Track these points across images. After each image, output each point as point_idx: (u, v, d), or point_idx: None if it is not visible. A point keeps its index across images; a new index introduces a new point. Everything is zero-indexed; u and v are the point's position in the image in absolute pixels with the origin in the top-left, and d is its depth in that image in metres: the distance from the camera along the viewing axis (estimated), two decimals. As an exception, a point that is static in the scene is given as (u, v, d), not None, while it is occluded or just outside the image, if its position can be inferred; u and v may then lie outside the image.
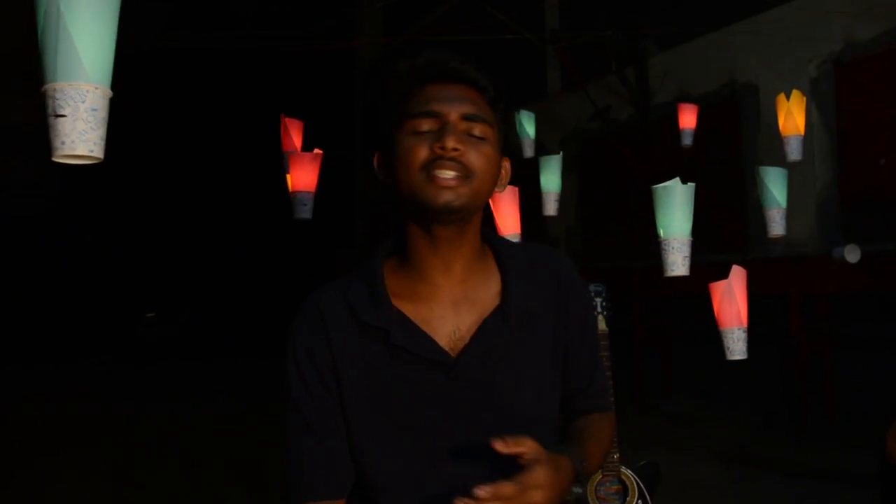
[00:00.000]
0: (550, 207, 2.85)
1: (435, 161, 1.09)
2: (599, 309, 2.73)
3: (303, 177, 2.27)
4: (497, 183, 1.18)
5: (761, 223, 2.52)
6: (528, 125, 3.62)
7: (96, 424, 6.76)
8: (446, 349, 1.15)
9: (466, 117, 1.13)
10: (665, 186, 1.81)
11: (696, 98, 7.33)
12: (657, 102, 7.86)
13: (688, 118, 3.95)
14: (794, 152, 2.67)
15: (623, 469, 2.63)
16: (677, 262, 1.82)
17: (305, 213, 2.32)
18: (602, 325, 2.72)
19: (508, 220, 2.38)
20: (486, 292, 1.19)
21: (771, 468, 4.91)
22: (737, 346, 2.04)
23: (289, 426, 1.17)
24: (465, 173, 1.10)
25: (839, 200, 6.23)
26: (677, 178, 1.90)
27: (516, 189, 2.39)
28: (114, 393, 8.67)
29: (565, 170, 9.12)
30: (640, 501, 2.64)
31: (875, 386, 5.55)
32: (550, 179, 2.83)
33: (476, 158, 1.11)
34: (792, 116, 2.64)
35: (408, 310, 1.16)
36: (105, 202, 12.18)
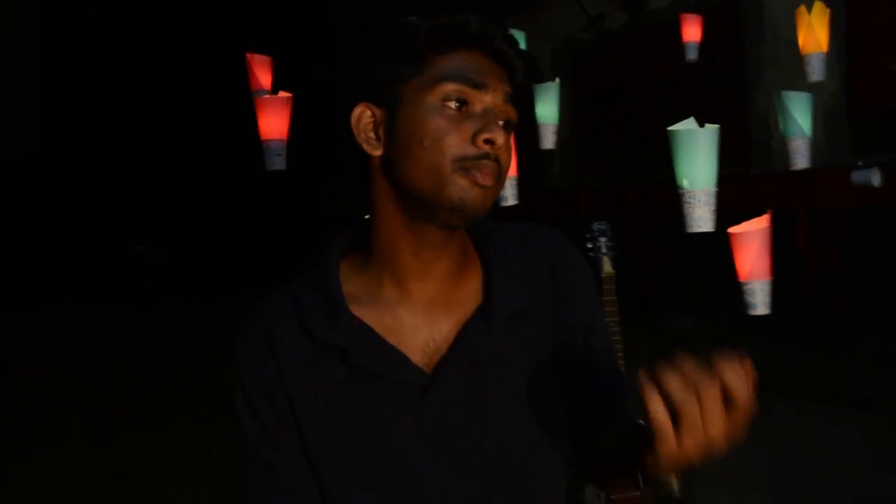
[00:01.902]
0: (548, 140, 2.60)
1: (478, 157, 0.90)
2: (605, 249, 2.55)
3: (273, 124, 2.04)
4: None
5: (764, 133, 2.31)
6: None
7: (99, 379, 6.60)
8: (420, 365, 0.95)
9: (509, 98, 0.93)
10: (687, 131, 1.58)
11: (693, 4, 6.96)
12: (653, 8, 7.48)
13: (692, 30, 3.67)
14: (815, 72, 2.42)
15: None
16: (705, 218, 1.61)
17: (279, 163, 2.10)
18: (608, 266, 2.53)
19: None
20: (466, 290, 0.99)
21: (779, 392, 4.82)
22: (760, 300, 1.86)
23: (243, 467, 0.97)
24: (499, 176, 0.93)
25: (846, 109, 5.96)
26: (692, 120, 1.66)
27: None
28: (116, 341, 8.45)
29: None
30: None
31: (884, 304, 5.43)
32: (547, 109, 2.58)
33: (507, 157, 0.94)
34: (813, 31, 2.37)
35: (371, 319, 0.95)
36: (80, 142, 11.80)
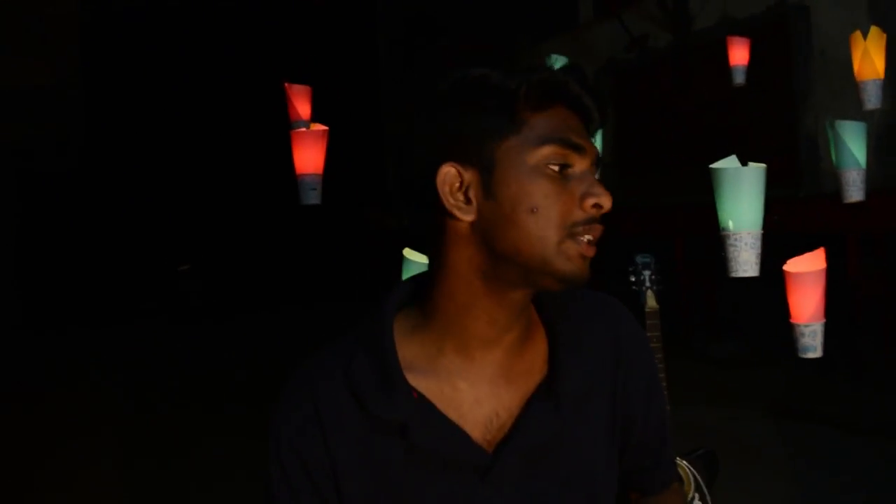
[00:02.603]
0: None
1: (588, 222, 0.84)
2: (648, 283, 2.47)
3: (308, 158, 2.01)
4: None
5: (814, 155, 2.22)
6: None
7: (147, 396, 6.66)
8: (481, 443, 0.87)
9: (597, 161, 0.88)
10: (731, 170, 1.50)
11: (741, 21, 6.84)
12: (698, 28, 7.36)
13: (739, 54, 3.57)
14: (872, 99, 2.32)
15: (678, 460, 2.40)
16: (750, 262, 1.52)
17: (314, 198, 2.06)
18: (652, 301, 2.45)
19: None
20: (531, 362, 0.91)
21: (827, 423, 4.65)
22: (814, 343, 1.77)
23: None
24: (599, 238, 0.87)
25: (900, 130, 5.78)
26: (734, 158, 1.58)
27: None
28: (169, 356, 8.53)
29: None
30: (696, 494, 2.41)
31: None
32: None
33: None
34: (869, 57, 2.28)
35: (430, 390, 0.87)
36: (126, 160, 12.04)
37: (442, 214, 0.86)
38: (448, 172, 0.85)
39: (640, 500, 1.07)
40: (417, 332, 0.90)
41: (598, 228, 0.85)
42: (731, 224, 1.64)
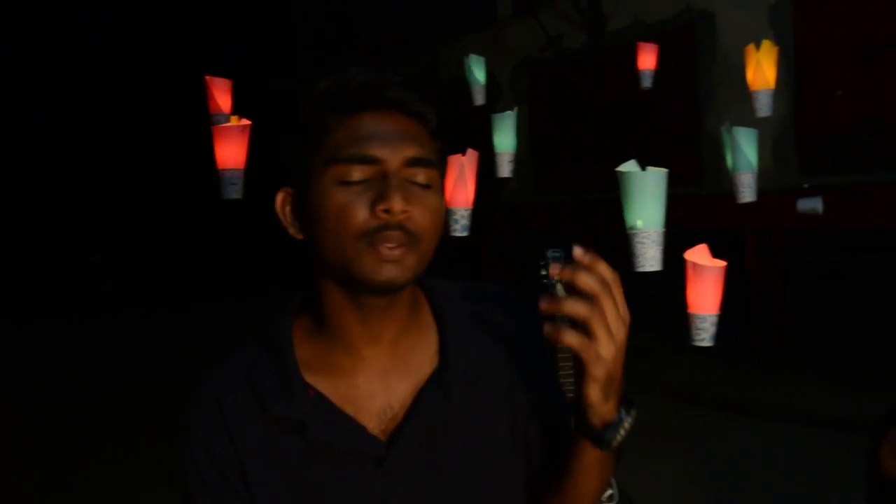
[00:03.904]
0: (505, 169, 2.63)
1: (379, 229, 0.85)
2: (559, 277, 2.58)
3: (230, 153, 2.02)
4: (442, 231, 0.95)
5: (717, 155, 2.38)
6: (477, 70, 3.36)
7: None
8: (376, 434, 0.92)
9: (410, 162, 0.88)
10: (637, 174, 1.61)
11: (651, 25, 7.11)
12: (611, 30, 7.60)
13: (647, 59, 3.74)
14: (763, 108, 2.48)
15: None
16: (656, 258, 1.63)
17: (235, 192, 2.08)
18: (561, 292, 2.57)
19: (460, 194, 2.17)
20: (421, 354, 0.96)
21: (726, 408, 4.92)
22: (707, 334, 1.90)
23: None
24: (412, 241, 0.87)
25: (795, 133, 6.13)
26: (634, 162, 1.68)
27: (475, 156, 2.16)
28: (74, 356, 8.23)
29: (516, 100, 8.92)
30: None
31: (830, 320, 5.59)
32: (504, 138, 2.61)
33: (423, 218, 0.88)
34: (761, 69, 2.44)
35: (326, 388, 0.93)
36: (34, 154, 11.55)
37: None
38: (281, 197, 0.93)
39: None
40: (313, 334, 0.95)
41: (394, 236, 0.86)
42: (639, 223, 1.75)
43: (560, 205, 7.48)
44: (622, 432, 0.85)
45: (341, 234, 0.86)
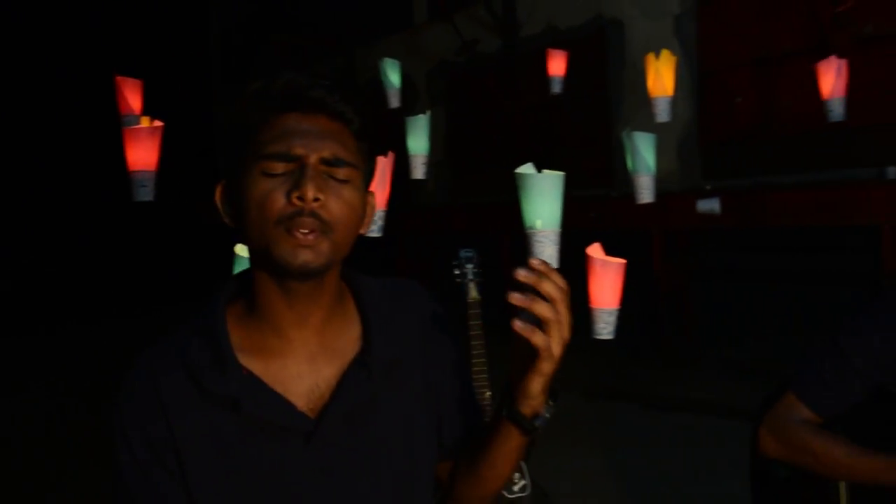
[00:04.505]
0: (418, 171, 2.70)
1: (293, 215, 0.92)
2: (471, 276, 2.66)
3: (141, 155, 2.02)
4: (362, 226, 1.02)
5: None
6: (392, 74, 3.42)
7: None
8: (304, 411, 0.99)
9: (327, 162, 0.95)
10: (533, 176, 1.69)
11: (563, 32, 7.31)
12: (525, 35, 7.78)
13: (557, 65, 3.88)
14: (662, 114, 2.64)
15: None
16: (553, 257, 1.73)
17: (146, 195, 2.08)
18: (473, 292, 2.65)
19: (378, 195, 2.22)
20: (346, 340, 1.04)
21: (634, 400, 5.12)
22: (608, 327, 2.01)
23: None
24: (325, 228, 0.94)
25: (699, 137, 6.42)
26: (531, 165, 1.77)
27: (389, 158, 2.21)
28: None
29: (433, 103, 8.95)
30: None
31: (731, 315, 5.87)
32: (418, 141, 2.68)
33: (337, 208, 0.95)
34: (660, 77, 2.59)
35: (258, 369, 0.99)
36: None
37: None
38: (219, 189, 1.02)
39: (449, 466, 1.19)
40: (246, 320, 1.02)
41: (307, 222, 0.93)
42: (538, 223, 1.84)
43: (477, 206, 7.60)
44: (546, 421, 0.98)
45: (262, 220, 0.94)
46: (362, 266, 1.14)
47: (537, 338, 0.91)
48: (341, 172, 0.97)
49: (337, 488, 1.00)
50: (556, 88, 3.80)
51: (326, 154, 0.96)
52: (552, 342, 0.92)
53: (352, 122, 0.99)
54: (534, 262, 0.92)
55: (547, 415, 1.00)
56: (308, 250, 0.93)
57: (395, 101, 3.44)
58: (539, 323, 0.91)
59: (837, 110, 2.83)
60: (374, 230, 2.21)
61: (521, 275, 0.90)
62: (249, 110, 0.97)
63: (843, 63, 2.81)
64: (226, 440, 0.98)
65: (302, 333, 1.02)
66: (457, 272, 2.65)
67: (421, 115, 2.72)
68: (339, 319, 1.05)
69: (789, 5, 5.80)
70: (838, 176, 5.32)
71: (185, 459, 0.97)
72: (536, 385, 0.95)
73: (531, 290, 0.91)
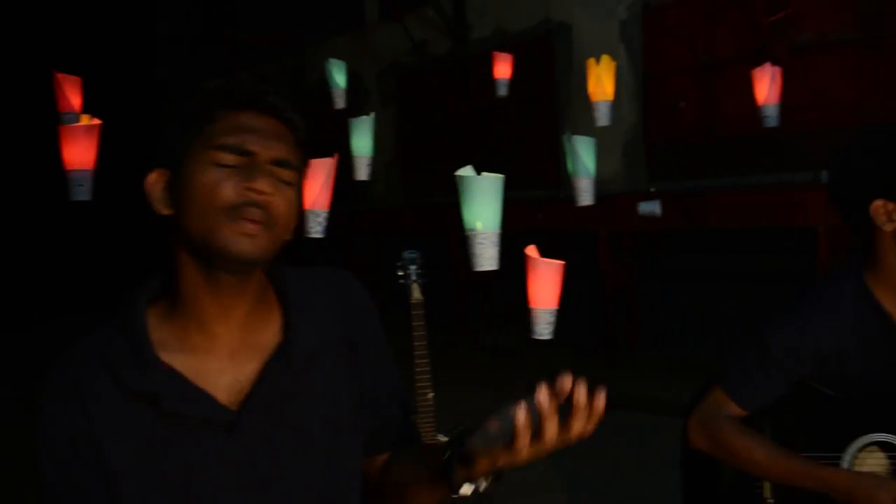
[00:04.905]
0: (362, 172, 2.72)
1: (242, 205, 0.96)
2: (414, 277, 2.68)
3: (78, 154, 2.01)
4: (294, 228, 1.05)
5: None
6: (338, 75, 3.44)
7: None
8: (226, 404, 1.01)
9: (277, 163, 0.99)
10: (473, 178, 1.73)
11: (512, 35, 7.37)
12: (475, 37, 7.83)
13: (502, 68, 3.94)
14: (602, 118, 2.70)
15: (440, 436, 2.65)
16: (493, 257, 1.77)
17: (83, 194, 2.06)
18: (417, 293, 2.67)
19: (316, 195, 2.23)
20: (268, 333, 1.06)
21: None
22: (546, 327, 2.05)
23: None
24: (270, 222, 0.97)
25: (644, 141, 6.54)
26: (471, 168, 1.81)
27: (334, 160, 2.22)
28: None
29: (383, 104, 8.96)
30: (456, 466, 2.67)
31: (676, 315, 5.99)
32: (362, 142, 2.70)
33: (282, 206, 0.99)
34: (601, 82, 2.65)
35: (180, 364, 1.00)
36: None
37: (156, 212, 1.03)
38: (154, 177, 1.02)
39: (383, 459, 1.19)
40: (168, 317, 1.03)
41: (256, 212, 0.96)
42: (478, 224, 1.87)
43: (426, 207, 7.62)
44: (473, 491, 1.00)
45: (208, 206, 0.96)
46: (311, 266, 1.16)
47: (522, 441, 0.88)
48: (287, 174, 1.00)
49: (261, 479, 1.02)
50: (502, 91, 3.86)
51: (277, 154, 0.99)
52: (540, 448, 0.90)
53: (298, 130, 1.04)
54: (570, 389, 0.88)
55: (480, 488, 0.98)
56: (249, 240, 0.96)
57: (340, 102, 3.46)
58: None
59: (772, 116, 2.92)
60: (318, 231, 2.22)
61: (576, 393, 0.88)
62: (205, 102, 1.00)
63: (776, 70, 2.91)
64: (147, 436, 0.99)
65: (226, 327, 1.03)
66: (400, 273, 2.67)
67: (365, 117, 2.74)
68: (261, 313, 1.06)
69: (730, 13, 5.95)
70: (777, 179, 5.49)
71: (107, 457, 0.98)
72: (493, 461, 0.92)
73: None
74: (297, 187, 1.03)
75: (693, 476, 1.71)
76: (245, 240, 0.96)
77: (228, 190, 0.96)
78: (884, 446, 1.47)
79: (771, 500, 1.56)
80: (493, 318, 7.05)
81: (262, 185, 0.96)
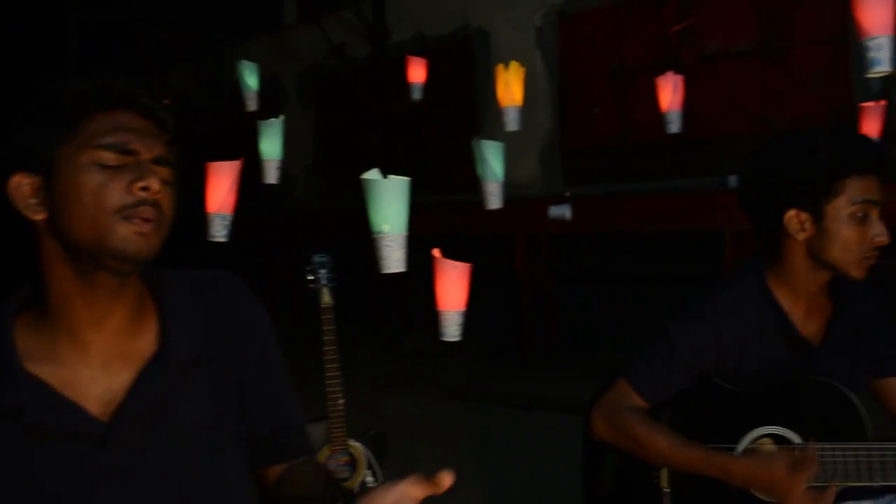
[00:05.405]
0: (271, 175, 2.69)
1: (135, 204, 0.94)
2: (324, 281, 2.67)
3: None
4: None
5: None
6: (249, 77, 3.38)
7: None
8: (97, 415, 0.97)
9: (158, 160, 0.98)
10: (379, 182, 1.73)
11: (430, 39, 7.41)
12: (394, 41, 7.83)
13: (417, 72, 3.94)
14: (511, 123, 2.73)
15: (351, 441, 2.63)
16: (400, 260, 1.77)
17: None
18: (326, 297, 2.65)
19: (222, 198, 2.19)
20: (143, 341, 1.02)
21: (500, 401, 5.24)
22: (454, 329, 2.06)
23: None
24: (161, 220, 0.97)
25: (560, 146, 6.66)
26: (377, 171, 1.81)
27: (240, 163, 2.19)
28: None
29: (302, 106, 8.84)
30: (369, 471, 2.66)
31: (591, 317, 6.11)
32: (271, 146, 2.66)
33: (168, 205, 0.99)
34: (509, 88, 2.68)
35: (47, 375, 0.96)
36: None
37: (22, 218, 0.98)
38: (18, 181, 0.96)
39: (277, 471, 1.17)
40: (37, 327, 0.99)
41: (148, 210, 0.95)
42: (385, 227, 1.87)
43: (345, 210, 7.58)
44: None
45: (98, 209, 0.94)
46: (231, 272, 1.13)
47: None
48: (167, 173, 1.00)
49: (137, 493, 0.98)
50: (417, 95, 3.86)
51: (158, 152, 0.99)
52: None
53: (171, 129, 1.03)
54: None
55: None
56: (144, 239, 0.95)
57: (252, 105, 3.40)
58: None
59: (674, 122, 3.01)
60: (222, 234, 2.18)
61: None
62: (80, 103, 0.97)
63: (679, 79, 3.00)
64: (13, 451, 0.94)
65: (99, 336, 1.00)
66: (310, 277, 2.65)
67: (274, 119, 2.70)
68: (137, 320, 1.03)
69: (642, 22, 6.12)
70: (686, 184, 5.66)
71: None
72: None
73: None
74: (174, 185, 1.02)
75: (593, 467, 1.75)
76: (140, 239, 0.95)
77: (118, 191, 0.94)
78: (776, 438, 1.54)
79: (667, 489, 1.61)
80: (412, 321, 7.05)
81: (154, 183, 0.95)
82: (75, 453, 0.96)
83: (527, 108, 3.53)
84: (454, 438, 4.50)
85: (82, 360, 0.99)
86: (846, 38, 5.26)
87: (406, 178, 1.79)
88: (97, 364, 0.99)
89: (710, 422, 1.59)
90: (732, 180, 5.33)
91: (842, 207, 1.48)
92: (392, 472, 2.76)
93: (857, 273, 1.51)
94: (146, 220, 0.95)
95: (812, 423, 1.50)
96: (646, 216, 5.34)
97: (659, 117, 3.09)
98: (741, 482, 1.49)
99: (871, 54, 1.83)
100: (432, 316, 1.88)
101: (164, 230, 0.99)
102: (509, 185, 2.73)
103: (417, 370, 6.23)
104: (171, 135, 1.03)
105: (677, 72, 3.12)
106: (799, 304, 1.59)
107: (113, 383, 0.99)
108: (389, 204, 1.80)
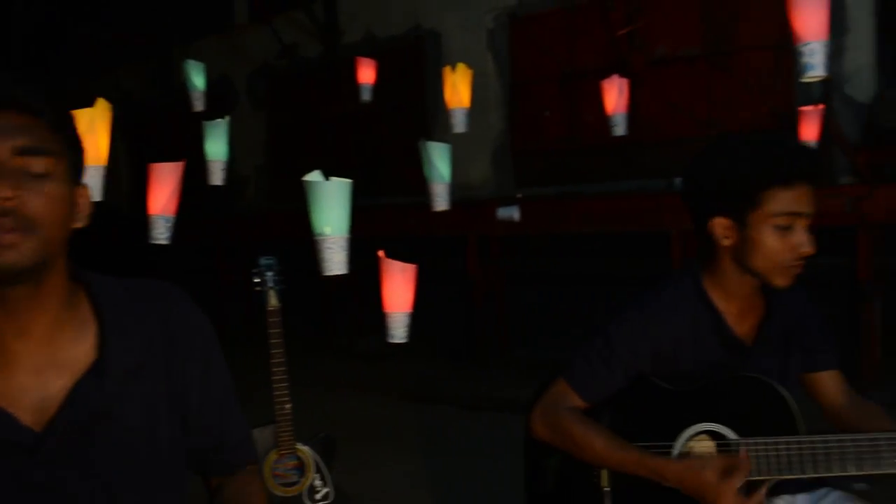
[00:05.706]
0: (217, 177, 2.66)
1: None
2: (271, 283, 2.65)
3: None
4: (75, 219, 0.98)
5: None
6: (196, 77, 3.33)
7: None
8: (29, 425, 0.94)
9: (21, 151, 0.91)
10: (320, 184, 1.73)
11: (382, 40, 7.40)
12: (346, 42, 7.80)
13: (366, 73, 3.94)
14: (458, 125, 2.75)
15: (299, 445, 2.62)
16: (342, 262, 1.77)
17: None
18: (273, 300, 2.63)
19: (165, 200, 2.16)
20: (80, 349, 0.99)
21: (452, 402, 5.25)
22: (401, 331, 2.07)
23: None
24: (28, 226, 0.90)
25: (511, 147, 6.70)
26: (319, 173, 1.81)
27: (182, 164, 2.16)
28: None
29: (254, 106, 8.76)
30: (317, 475, 2.65)
31: (543, 317, 6.16)
32: (216, 146, 2.64)
33: (38, 205, 0.91)
34: (457, 90, 2.70)
35: None
36: None
37: None
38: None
39: (219, 482, 1.17)
40: None
41: (5, 222, 0.88)
42: (327, 229, 1.87)
43: (296, 212, 7.53)
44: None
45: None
46: (183, 277, 1.10)
47: None
48: (38, 164, 0.92)
49: (70, 503, 0.96)
50: (366, 96, 3.86)
51: (18, 143, 0.91)
52: None
53: (44, 114, 0.95)
54: None
55: None
56: (10, 251, 0.89)
57: (199, 105, 3.35)
58: None
59: (619, 125, 3.05)
60: (165, 237, 2.15)
61: None
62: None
63: (624, 82, 3.05)
64: None
65: (24, 345, 0.96)
66: (256, 280, 2.62)
67: (220, 120, 2.68)
68: (71, 327, 1.00)
69: (591, 25, 6.20)
70: (634, 186, 5.75)
71: None
72: None
73: None
74: (64, 175, 0.95)
75: (534, 467, 1.76)
76: (4, 252, 0.88)
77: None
78: (712, 434, 1.57)
79: (607, 488, 1.63)
80: (363, 323, 7.03)
81: (1, 190, 0.88)
82: (6, 464, 0.93)
83: (478, 110, 3.55)
84: (405, 440, 4.50)
85: (12, 369, 0.96)
86: (788, 44, 5.38)
87: (348, 181, 1.79)
88: (29, 372, 0.96)
89: (649, 420, 1.61)
90: (678, 183, 5.43)
91: (764, 218, 1.49)
92: (341, 475, 2.75)
93: (780, 281, 1.54)
94: (6, 232, 0.88)
95: (746, 418, 1.54)
96: (595, 217, 5.41)
97: (607, 120, 3.13)
98: (674, 485, 1.52)
99: (805, 59, 1.88)
100: (384, 318, 1.89)
101: (42, 233, 0.91)
102: (461, 187, 2.75)
103: (369, 372, 6.21)
104: (51, 119, 0.94)
105: (623, 75, 3.17)
106: (733, 305, 1.63)
107: (47, 393, 0.96)
108: (331, 206, 1.80)
